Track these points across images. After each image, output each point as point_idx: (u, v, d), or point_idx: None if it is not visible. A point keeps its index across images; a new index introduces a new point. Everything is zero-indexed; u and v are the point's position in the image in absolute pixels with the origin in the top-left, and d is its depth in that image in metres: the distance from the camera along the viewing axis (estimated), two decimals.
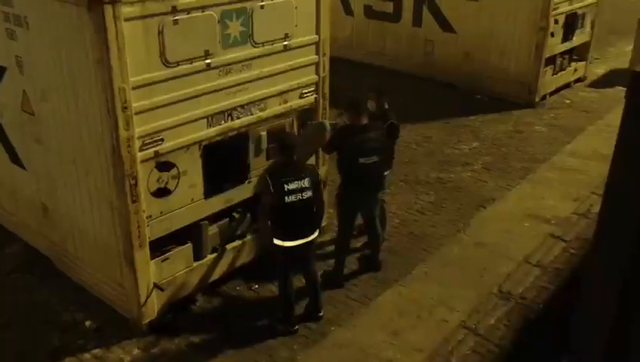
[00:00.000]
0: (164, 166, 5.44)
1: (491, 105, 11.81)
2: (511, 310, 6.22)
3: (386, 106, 6.71)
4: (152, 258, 5.59)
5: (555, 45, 11.70)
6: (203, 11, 5.27)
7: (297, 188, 5.45)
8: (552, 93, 12.37)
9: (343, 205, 6.39)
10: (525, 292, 6.48)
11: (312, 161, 6.62)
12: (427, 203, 8.29)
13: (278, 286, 5.95)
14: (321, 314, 6.04)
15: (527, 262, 6.99)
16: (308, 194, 5.53)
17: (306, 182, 5.51)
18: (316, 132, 6.33)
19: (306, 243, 5.69)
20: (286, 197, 5.42)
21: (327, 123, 6.27)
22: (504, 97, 11.86)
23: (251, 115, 6.00)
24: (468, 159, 9.62)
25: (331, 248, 7.13)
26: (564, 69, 12.46)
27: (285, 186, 5.43)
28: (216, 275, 6.27)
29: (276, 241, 5.59)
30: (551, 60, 11.83)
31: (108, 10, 4.63)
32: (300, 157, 5.68)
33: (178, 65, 5.24)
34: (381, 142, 6.19)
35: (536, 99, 11.78)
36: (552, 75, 12.09)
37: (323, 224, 7.20)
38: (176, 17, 5.10)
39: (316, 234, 5.76)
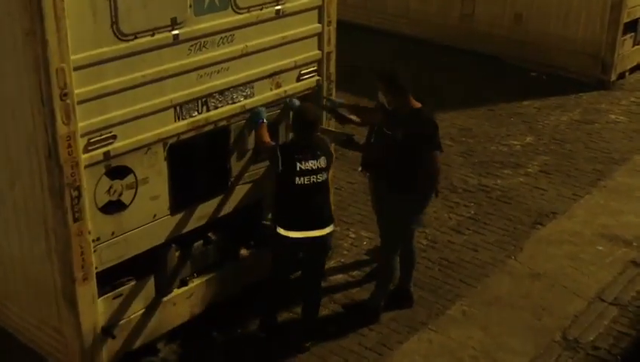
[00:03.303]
0: (116, 172, 5.44)
1: (551, 86, 11.85)
2: None
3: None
4: (101, 294, 5.59)
5: (638, 6, 11.72)
6: None
7: (312, 169, 5.80)
8: (632, 70, 12.43)
9: (400, 210, 6.38)
10: (598, 340, 6.50)
11: None
12: (466, 218, 8.32)
13: (267, 285, 6.33)
14: (307, 344, 6.26)
15: (601, 299, 7.01)
16: (323, 176, 5.90)
17: (322, 162, 5.87)
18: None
19: (318, 239, 5.94)
20: (297, 178, 5.77)
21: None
22: (568, 75, 11.91)
23: (233, 103, 6.02)
24: (520, 159, 9.65)
25: (336, 277, 7.18)
26: None
27: (298, 165, 5.76)
28: (185, 317, 6.28)
29: (280, 230, 5.92)
30: (632, 26, 11.86)
31: None
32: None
33: (136, 38, 5.24)
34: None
35: (612, 78, 11.83)
36: (633, 45, 12.13)
37: None
38: None
39: (331, 228, 6.06)
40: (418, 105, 6.24)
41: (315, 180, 5.84)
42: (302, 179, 5.81)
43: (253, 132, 6.18)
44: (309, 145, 5.87)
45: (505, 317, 6.72)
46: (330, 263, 7.35)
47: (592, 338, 6.51)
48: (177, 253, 6.09)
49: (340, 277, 7.21)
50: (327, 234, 6.04)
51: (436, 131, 6.28)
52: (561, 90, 11.67)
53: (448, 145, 9.92)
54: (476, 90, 11.70)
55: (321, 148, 5.92)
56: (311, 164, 5.81)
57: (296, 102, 6.31)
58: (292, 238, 5.94)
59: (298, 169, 5.79)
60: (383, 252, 6.68)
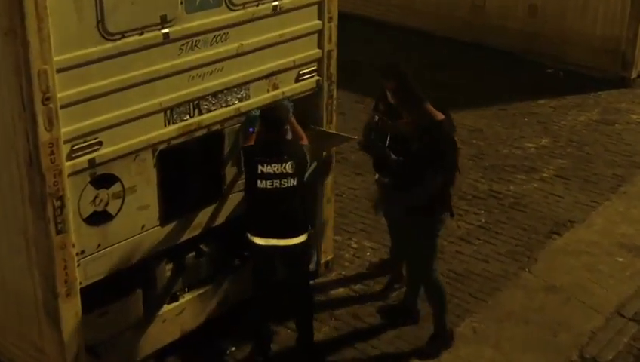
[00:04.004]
0: (102, 180, 5.45)
1: (568, 84, 11.84)
2: None
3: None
4: (85, 311, 5.58)
5: None
6: None
7: (275, 173, 5.86)
8: None
9: (436, 230, 6.34)
10: (617, 359, 6.50)
11: None
12: (476, 227, 8.33)
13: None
14: None
15: (620, 314, 7.01)
16: (290, 182, 5.90)
17: (288, 167, 5.86)
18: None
19: (287, 249, 5.97)
20: (258, 181, 5.87)
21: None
22: (586, 72, 11.90)
23: (227, 106, 6.03)
24: (534, 163, 9.66)
25: (337, 291, 7.18)
26: None
27: (259, 168, 5.82)
28: (175, 335, 6.29)
29: (248, 235, 6.05)
30: None
31: None
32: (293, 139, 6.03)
33: (123, 37, 5.24)
34: None
35: (633, 75, 11.83)
36: None
37: (328, 258, 7.30)
38: None
39: (300, 239, 6.02)
40: (440, 115, 5.99)
41: (279, 185, 5.86)
42: (264, 182, 5.85)
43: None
44: (274, 148, 5.89)
45: (518, 334, 6.73)
46: (331, 276, 7.37)
47: (610, 357, 6.51)
48: (167, 267, 6.09)
49: (341, 291, 7.22)
50: (297, 244, 6.03)
51: (454, 151, 6.09)
52: (578, 88, 11.67)
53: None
54: (487, 87, 11.70)
55: (290, 153, 5.90)
56: (274, 168, 5.83)
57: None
58: (258, 245, 5.99)
59: (259, 172, 5.83)
60: (422, 272, 6.51)
